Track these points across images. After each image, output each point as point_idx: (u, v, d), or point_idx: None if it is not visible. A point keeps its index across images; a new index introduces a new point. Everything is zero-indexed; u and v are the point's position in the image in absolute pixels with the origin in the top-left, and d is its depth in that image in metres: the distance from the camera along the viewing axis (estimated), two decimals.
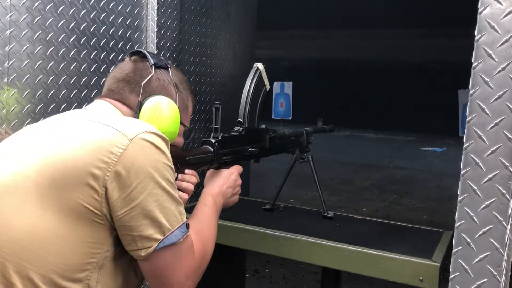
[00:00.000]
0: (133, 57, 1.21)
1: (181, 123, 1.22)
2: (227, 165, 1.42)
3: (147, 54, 1.19)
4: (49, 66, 1.48)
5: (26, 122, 1.42)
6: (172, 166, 1.03)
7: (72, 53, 1.55)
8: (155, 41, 1.81)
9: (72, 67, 1.55)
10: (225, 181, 1.37)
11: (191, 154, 1.30)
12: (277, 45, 9.96)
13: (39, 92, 1.46)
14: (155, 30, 1.80)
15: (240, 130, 1.49)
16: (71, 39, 1.54)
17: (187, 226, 1.04)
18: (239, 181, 1.43)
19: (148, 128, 1.01)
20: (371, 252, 1.47)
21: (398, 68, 13.97)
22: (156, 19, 1.80)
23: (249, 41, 2.64)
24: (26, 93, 1.43)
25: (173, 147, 1.16)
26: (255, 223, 1.73)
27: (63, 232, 0.94)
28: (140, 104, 1.15)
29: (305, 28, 8.16)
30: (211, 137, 1.38)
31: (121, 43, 1.72)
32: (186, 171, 1.27)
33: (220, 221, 1.73)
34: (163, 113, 1.14)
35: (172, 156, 1.05)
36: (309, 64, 14.73)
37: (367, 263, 1.47)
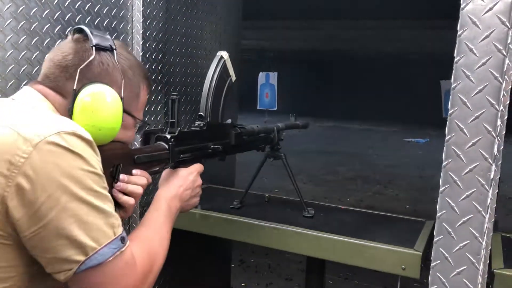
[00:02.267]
0: (76, 36, 1.03)
1: (130, 114, 1.07)
2: (186, 163, 1.29)
3: (88, 32, 1.01)
4: (34, 56, 1.47)
5: None
6: (99, 171, 0.87)
7: (57, 44, 1.53)
8: (141, 32, 1.79)
9: None
10: (182, 182, 1.23)
11: (140, 151, 1.16)
12: (263, 35, 9.92)
13: (23, 83, 1.44)
14: (141, 20, 1.79)
15: (201, 125, 1.38)
16: (56, 29, 1.52)
17: (122, 239, 0.89)
18: (199, 182, 1.29)
19: (62, 127, 0.84)
20: (355, 242, 1.50)
21: (383, 59, 14.07)
22: (141, 9, 1.79)
23: (235, 32, 2.63)
24: (10, 83, 1.41)
25: (118, 144, 1.05)
26: (240, 214, 1.75)
27: None
28: (75, 94, 0.97)
29: (291, 18, 8.14)
30: (167, 133, 1.25)
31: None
32: (134, 171, 1.10)
33: (206, 211, 1.76)
34: (101, 105, 0.96)
35: (114, 154, 0.95)
36: (294, 55, 14.73)
37: (351, 253, 1.50)
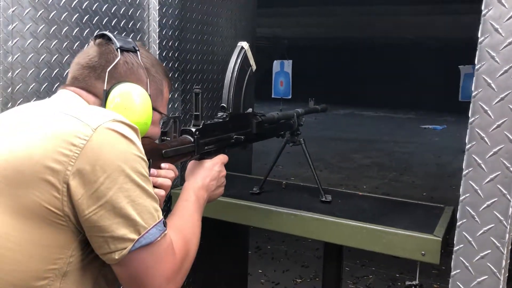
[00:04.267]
0: (98, 40, 1.10)
1: (156, 110, 1.12)
2: (210, 155, 1.32)
3: (112, 36, 1.08)
4: (53, 45, 1.48)
5: (32, 101, 1.42)
6: (145, 158, 0.93)
7: (75, 32, 1.54)
8: (157, 19, 1.79)
9: (75, 46, 1.54)
10: (208, 174, 1.27)
11: (167, 146, 1.19)
12: (277, 23, 9.87)
13: (43, 71, 1.46)
14: (157, 7, 1.79)
15: (224, 116, 1.40)
16: (74, 18, 1.53)
17: (165, 223, 0.94)
18: (224, 172, 1.33)
19: (115, 116, 0.91)
20: (373, 228, 1.49)
21: (399, 45, 13.88)
22: None
23: (250, 19, 2.62)
24: (30, 72, 1.43)
25: (146, 139, 1.09)
26: (258, 200, 1.75)
27: (17, 235, 0.85)
28: (106, 93, 1.03)
29: (305, 5, 8.08)
30: (191, 126, 1.28)
31: (124, 21, 1.71)
32: (163, 165, 1.16)
33: (225, 198, 1.76)
34: (132, 102, 1.03)
35: (144, 149, 0.97)
36: (309, 42, 14.62)
37: (370, 238, 1.50)
